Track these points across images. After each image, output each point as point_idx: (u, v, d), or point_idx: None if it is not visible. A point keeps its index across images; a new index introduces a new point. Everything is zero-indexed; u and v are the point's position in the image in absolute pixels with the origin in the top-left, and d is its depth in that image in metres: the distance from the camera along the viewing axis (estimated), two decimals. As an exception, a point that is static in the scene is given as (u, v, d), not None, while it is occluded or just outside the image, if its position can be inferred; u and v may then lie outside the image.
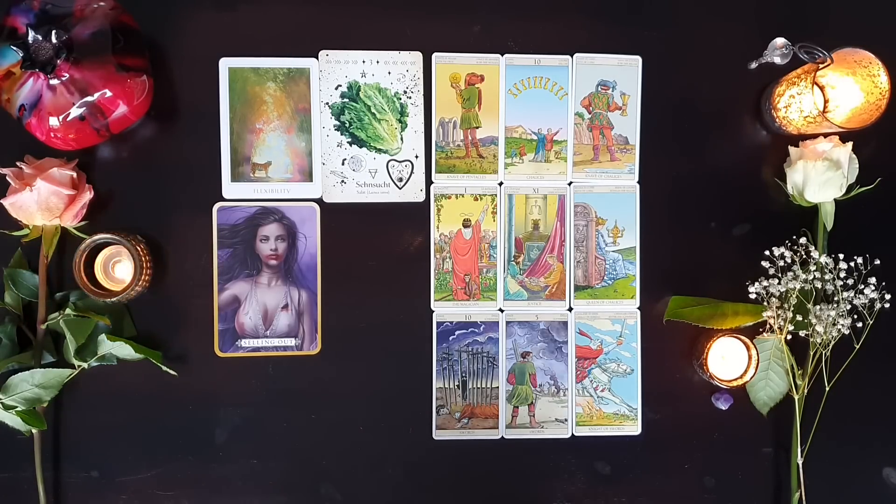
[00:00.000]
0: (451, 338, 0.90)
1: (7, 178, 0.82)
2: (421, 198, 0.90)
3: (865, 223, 0.91)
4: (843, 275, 0.84)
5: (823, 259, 0.84)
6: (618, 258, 0.91)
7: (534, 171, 0.91)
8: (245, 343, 0.89)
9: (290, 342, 0.89)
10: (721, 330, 0.87)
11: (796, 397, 0.87)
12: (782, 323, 0.85)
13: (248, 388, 0.89)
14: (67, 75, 0.76)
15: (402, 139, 0.90)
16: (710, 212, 0.92)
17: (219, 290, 0.89)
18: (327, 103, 0.90)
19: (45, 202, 0.81)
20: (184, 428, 0.88)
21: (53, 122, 0.78)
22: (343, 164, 0.90)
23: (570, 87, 0.91)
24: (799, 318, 0.84)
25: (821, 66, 0.83)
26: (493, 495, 0.90)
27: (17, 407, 0.81)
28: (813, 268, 0.85)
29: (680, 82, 0.92)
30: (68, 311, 0.83)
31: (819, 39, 0.82)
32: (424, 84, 0.90)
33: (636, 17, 0.92)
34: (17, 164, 0.83)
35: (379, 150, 0.90)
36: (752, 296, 0.85)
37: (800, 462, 0.87)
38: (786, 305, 0.84)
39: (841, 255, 0.84)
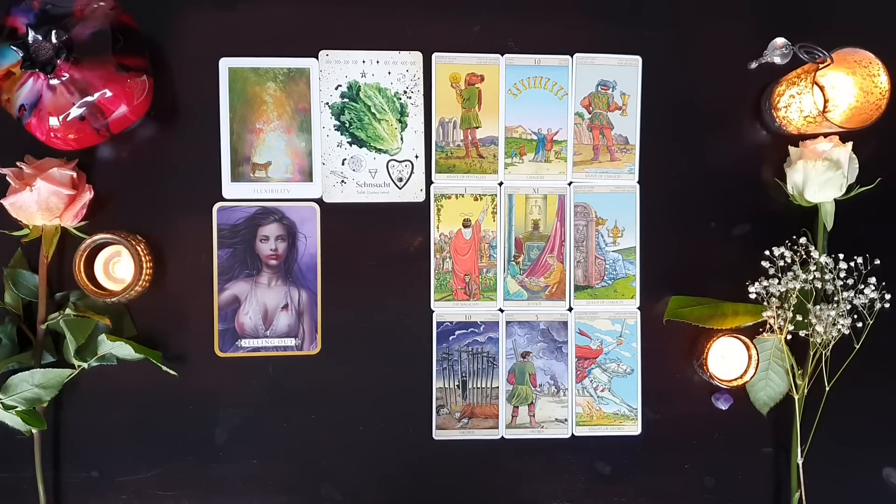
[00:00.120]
0: (451, 338, 0.90)
1: (7, 178, 0.82)
2: (421, 198, 0.90)
3: (865, 223, 0.91)
4: (843, 275, 0.84)
5: (823, 259, 0.84)
6: (618, 258, 0.91)
7: (534, 171, 0.91)
8: (245, 343, 0.89)
9: (290, 342, 0.89)
10: (721, 330, 0.87)
11: (796, 397, 0.87)
12: (782, 323, 0.85)
13: (248, 388, 0.89)
14: (67, 75, 0.76)
15: (402, 139, 0.90)
16: (710, 212, 0.92)
17: (219, 290, 0.89)
18: (327, 103, 0.90)
19: (45, 202, 0.81)
20: (184, 428, 0.88)
21: (53, 122, 0.78)
22: (343, 164, 0.90)
23: (570, 87, 0.91)
24: (799, 318, 0.84)
25: (821, 66, 0.83)
26: (493, 495, 0.90)
27: (17, 407, 0.81)
28: (813, 268, 0.85)
29: (680, 82, 0.92)
30: (68, 311, 0.83)
31: (819, 39, 0.82)
32: (424, 84, 0.90)
33: (636, 17, 0.92)
34: (17, 164, 0.83)
35: (379, 150, 0.90)
36: (752, 296, 0.85)
37: (800, 462, 0.87)
38: (786, 305, 0.84)
39: (841, 255, 0.84)
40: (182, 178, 0.88)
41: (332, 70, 0.90)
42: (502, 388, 0.91)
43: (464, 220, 0.91)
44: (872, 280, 0.83)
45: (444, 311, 0.90)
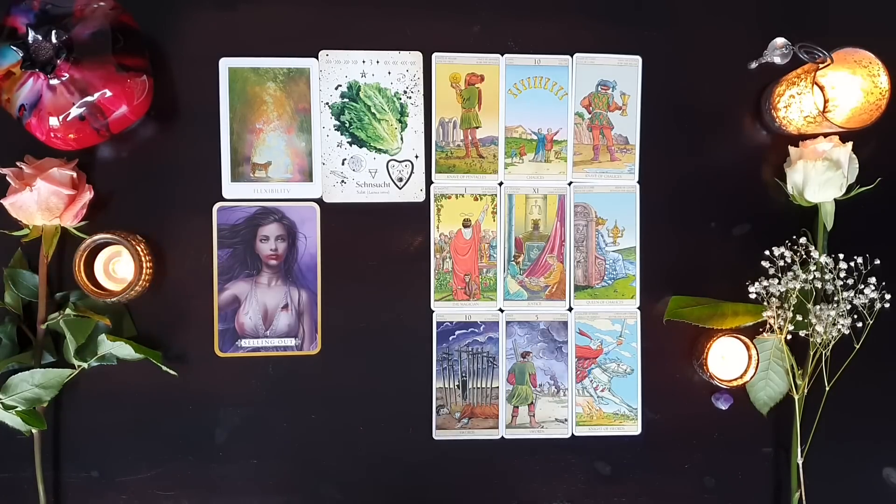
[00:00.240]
0: (451, 338, 0.90)
1: (7, 178, 0.82)
2: (421, 198, 0.90)
3: (865, 223, 0.91)
4: (843, 275, 0.84)
5: (823, 259, 0.84)
6: (618, 258, 0.91)
7: (534, 171, 0.91)
8: (245, 343, 0.89)
9: (290, 342, 0.89)
10: (721, 330, 0.87)
11: (796, 397, 0.87)
12: (782, 323, 0.85)
13: (248, 388, 0.89)
14: (67, 75, 0.76)
15: (402, 139, 0.90)
16: (710, 212, 0.92)
17: (219, 290, 0.89)
18: (327, 103, 0.90)
19: (45, 202, 0.81)
20: (184, 428, 0.88)
21: (53, 122, 0.78)
22: (343, 164, 0.90)
23: (570, 87, 0.91)
24: (799, 318, 0.84)
25: (821, 66, 0.83)
26: (493, 495, 0.90)
27: (17, 407, 0.81)
28: (813, 268, 0.85)
29: (680, 82, 0.92)
30: (68, 311, 0.83)
31: (819, 39, 0.82)
32: (424, 84, 0.90)
33: (636, 17, 0.92)
34: (17, 164, 0.83)
35: (379, 150, 0.90)
36: (752, 296, 0.85)
37: (800, 462, 0.87)
38: (786, 305, 0.84)
39: (841, 255, 0.84)
40: (182, 178, 0.88)
41: (332, 70, 0.90)
42: (502, 388, 0.91)
43: (464, 220, 0.91)
44: (872, 280, 0.83)
45: (444, 311, 0.90)
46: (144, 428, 0.88)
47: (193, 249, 0.89)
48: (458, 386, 0.90)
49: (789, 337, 0.85)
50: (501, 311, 0.91)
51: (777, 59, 0.88)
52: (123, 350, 0.83)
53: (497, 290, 0.91)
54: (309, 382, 0.89)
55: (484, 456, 0.90)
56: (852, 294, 0.83)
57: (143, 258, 0.84)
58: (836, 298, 0.84)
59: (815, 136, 0.89)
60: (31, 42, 0.76)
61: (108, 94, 0.79)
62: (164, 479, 0.88)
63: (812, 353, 0.86)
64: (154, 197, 0.88)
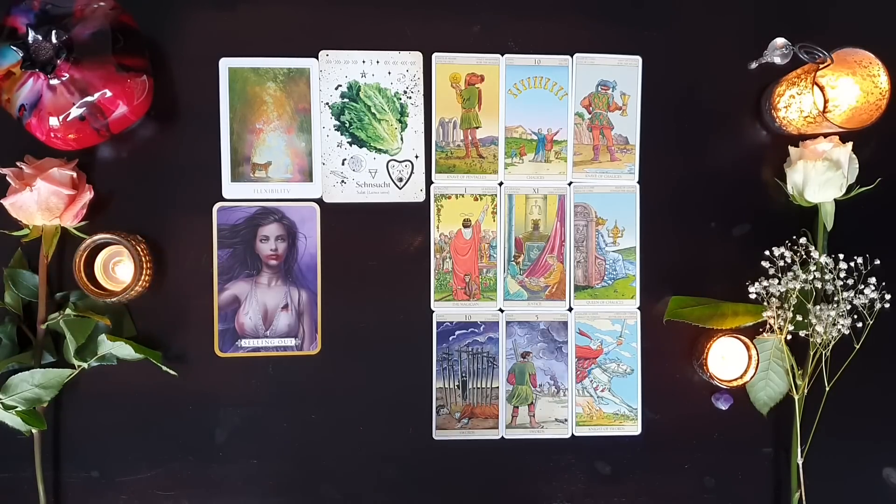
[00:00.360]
0: (451, 338, 0.90)
1: (7, 178, 0.82)
2: (421, 198, 0.90)
3: (865, 223, 0.91)
4: (843, 275, 0.84)
5: (823, 259, 0.84)
6: (618, 258, 0.91)
7: (534, 171, 0.91)
8: (245, 343, 0.89)
9: (290, 342, 0.89)
10: (721, 330, 0.87)
11: (796, 397, 0.87)
12: (782, 323, 0.85)
13: (248, 388, 0.89)
14: (67, 75, 0.76)
15: (402, 139, 0.90)
16: (710, 212, 0.92)
17: (219, 290, 0.89)
18: (327, 103, 0.90)
19: (45, 202, 0.81)
20: (184, 428, 0.88)
21: (53, 122, 0.78)
22: (343, 164, 0.90)
23: (570, 87, 0.91)
24: (799, 318, 0.84)
25: (821, 66, 0.83)
26: (493, 495, 0.90)
27: (17, 407, 0.81)
28: (813, 268, 0.85)
29: (680, 82, 0.92)
30: (68, 311, 0.83)
31: (819, 39, 0.82)
32: (424, 84, 0.90)
33: (636, 17, 0.92)
34: (17, 164, 0.83)
35: (379, 150, 0.90)
36: (752, 296, 0.85)
37: (800, 462, 0.87)
38: (786, 305, 0.84)
39: (841, 255, 0.84)
40: (182, 178, 0.88)
41: (332, 70, 0.90)
42: (502, 388, 0.91)
43: (464, 220, 0.91)
44: (872, 280, 0.83)
45: (444, 311, 0.90)
46: (144, 428, 0.88)
47: (193, 249, 0.89)
48: (458, 386, 0.90)
49: (789, 337, 0.85)
50: (501, 311, 0.91)
51: (777, 60, 0.88)
52: (123, 350, 0.83)
53: (497, 291, 0.91)
54: (309, 382, 0.89)
55: (484, 456, 0.90)
56: (852, 294, 0.83)
57: (143, 258, 0.84)
58: (836, 299, 0.84)
59: (815, 136, 0.89)
60: (31, 42, 0.76)
61: (108, 94, 0.79)
62: (164, 479, 0.88)
63: (812, 354, 0.86)
64: (154, 197, 0.88)
